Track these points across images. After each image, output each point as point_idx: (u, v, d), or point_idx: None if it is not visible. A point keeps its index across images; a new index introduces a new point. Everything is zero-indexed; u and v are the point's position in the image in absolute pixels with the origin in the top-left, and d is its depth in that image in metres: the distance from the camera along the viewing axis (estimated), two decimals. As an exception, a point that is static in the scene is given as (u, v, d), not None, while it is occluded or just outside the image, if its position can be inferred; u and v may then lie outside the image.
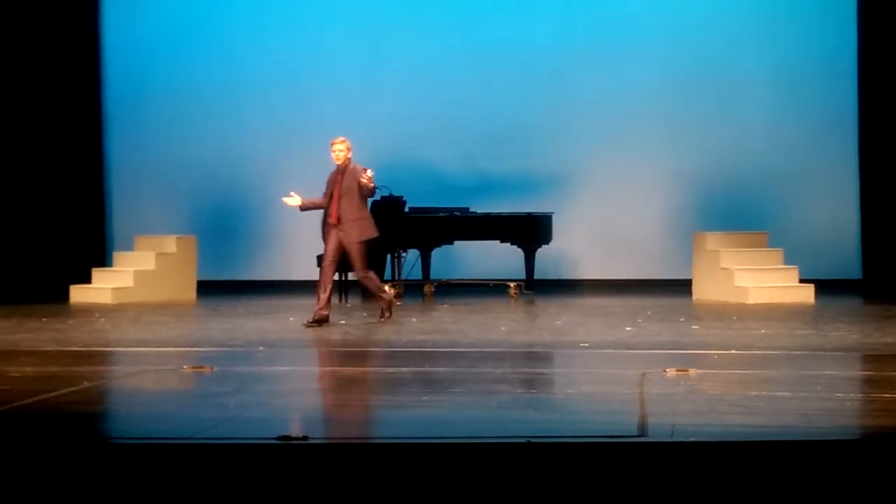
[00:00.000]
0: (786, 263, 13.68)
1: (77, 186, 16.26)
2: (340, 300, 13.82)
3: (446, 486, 4.74)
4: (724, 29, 15.99)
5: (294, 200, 10.90)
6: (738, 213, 15.43)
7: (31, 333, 10.23)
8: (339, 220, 10.67)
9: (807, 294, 13.17)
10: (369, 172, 10.55)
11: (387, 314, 11.04)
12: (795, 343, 9.07)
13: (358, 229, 10.68)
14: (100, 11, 16.67)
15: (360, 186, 10.57)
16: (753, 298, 12.95)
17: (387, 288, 11.42)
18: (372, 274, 11.02)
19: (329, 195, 10.74)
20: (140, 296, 13.93)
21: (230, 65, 16.45)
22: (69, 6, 16.30)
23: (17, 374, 7.51)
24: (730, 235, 14.03)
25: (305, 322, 10.74)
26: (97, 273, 14.48)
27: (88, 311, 12.68)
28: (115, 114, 16.71)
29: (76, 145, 16.27)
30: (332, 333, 10.39)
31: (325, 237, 10.82)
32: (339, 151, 10.70)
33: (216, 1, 16.72)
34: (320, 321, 10.67)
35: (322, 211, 10.84)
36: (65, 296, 14.08)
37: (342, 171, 10.69)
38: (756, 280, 13.27)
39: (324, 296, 10.73)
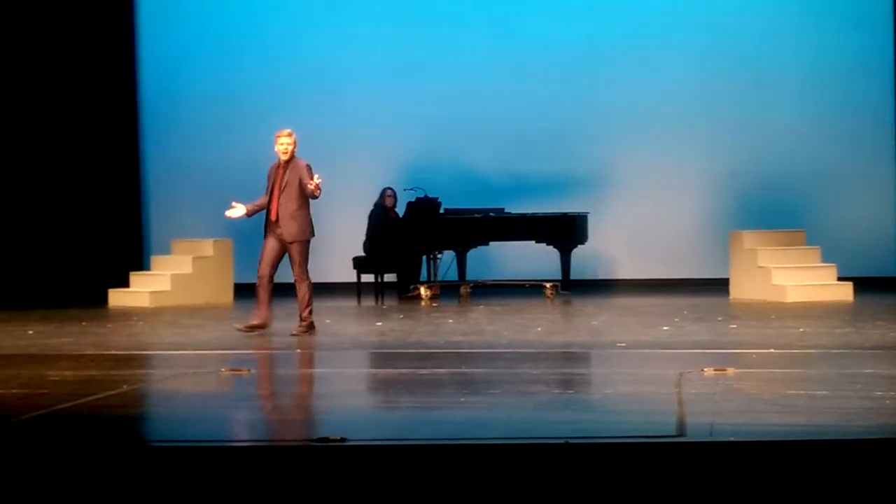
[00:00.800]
0: (823, 261, 13.60)
1: (114, 191, 16.38)
2: (376, 301, 13.84)
3: (484, 487, 4.74)
4: (759, 28, 15.92)
5: (238, 211, 10.29)
6: (774, 212, 15.35)
7: (71, 337, 10.31)
8: (277, 216, 10.09)
9: (845, 292, 13.08)
10: (317, 179, 9.97)
11: (300, 331, 10.17)
12: (834, 341, 9.01)
13: (296, 228, 10.09)
14: (135, 17, 16.77)
15: (303, 184, 10.06)
16: (791, 297, 12.87)
17: (305, 315, 10.20)
18: (308, 283, 10.18)
19: (270, 190, 10.21)
20: (177, 299, 14.01)
21: (264, 68, 16.52)
22: (105, 12, 16.42)
23: (57, 378, 7.57)
24: (767, 234, 13.96)
25: (242, 327, 10.21)
26: (135, 277, 14.57)
27: (127, 314, 12.76)
28: (151, 118, 16.81)
29: (113, 150, 16.38)
30: (369, 335, 10.41)
31: (265, 233, 10.23)
32: (287, 145, 10.12)
33: (250, 5, 16.79)
34: (256, 328, 10.15)
35: (261, 206, 10.28)
36: (103, 300, 14.17)
37: (285, 165, 10.15)
38: (794, 278, 13.19)
39: (262, 305, 10.14)
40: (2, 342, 9.98)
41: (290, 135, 10.21)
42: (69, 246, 15.87)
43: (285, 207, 10.11)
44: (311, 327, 10.26)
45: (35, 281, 15.53)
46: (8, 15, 15.84)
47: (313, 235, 10.31)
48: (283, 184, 10.14)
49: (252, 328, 10.19)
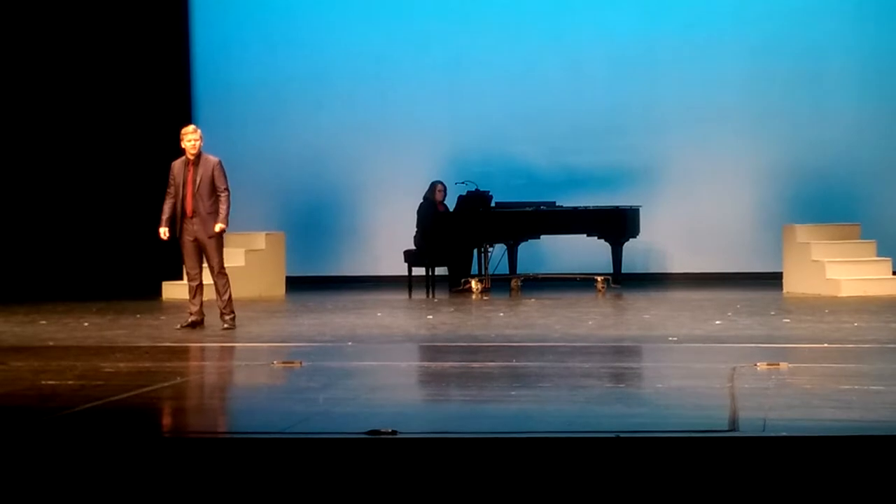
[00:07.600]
0: (878, 255, 13.47)
1: (168, 184, 16.48)
2: (427, 294, 13.86)
3: (535, 480, 4.75)
4: (813, 20, 15.76)
5: (165, 232, 10.26)
6: (828, 205, 15.21)
7: (126, 329, 10.41)
8: (194, 212, 10.12)
9: (901, 286, 12.96)
10: (219, 227, 10.07)
11: (231, 324, 10.29)
12: (889, 336, 8.92)
13: (213, 223, 10.15)
14: (189, 10, 16.88)
15: (214, 180, 10.14)
16: (845, 291, 12.76)
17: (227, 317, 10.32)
18: (227, 276, 10.31)
19: (178, 187, 10.21)
20: (230, 292, 14.06)
21: (317, 62, 16.56)
22: (159, 5, 16.55)
23: (112, 370, 7.64)
24: (821, 227, 13.85)
25: (179, 325, 10.37)
26: (188, 270, 14.65)
27: (180, 307, 12.84)
28: (204, 111, 16.90)
29: (167, 143, 16.46)
30: (420, 328, 10.43)
31: (178, 233, 10.21)
32: (196, 141, 10.17)
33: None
34: (193, 325, 10.27)
35: (172, 207, 10.26)
36: (157, 292, 14.29)
37: (194, 162, 10.17)
38: (848, 272, 13.08)
39: (195, 301, 10.29)
40: (58, 334, 10.10)
41: (195, 131, 10.32)
42: (124, 239, 16.00)
43: (201, 204, 10.17)
44: (200, 321, 10.34)
45: (90, 274, 15.68)
46: (66, 6, 16.04)
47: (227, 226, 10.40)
48: (197, 180, 10.20)
49: (192, 325, 10.29)
